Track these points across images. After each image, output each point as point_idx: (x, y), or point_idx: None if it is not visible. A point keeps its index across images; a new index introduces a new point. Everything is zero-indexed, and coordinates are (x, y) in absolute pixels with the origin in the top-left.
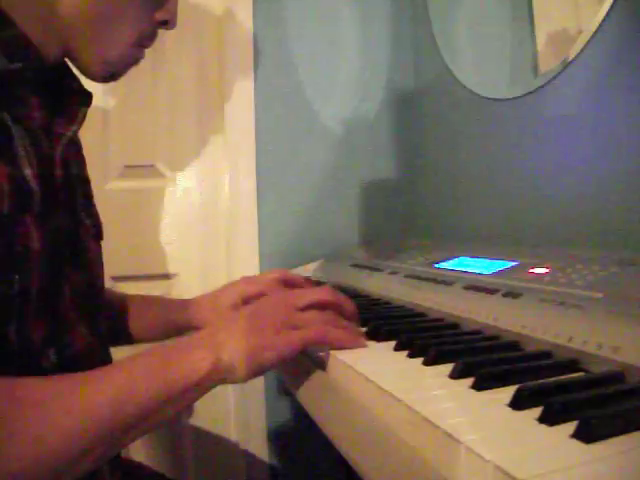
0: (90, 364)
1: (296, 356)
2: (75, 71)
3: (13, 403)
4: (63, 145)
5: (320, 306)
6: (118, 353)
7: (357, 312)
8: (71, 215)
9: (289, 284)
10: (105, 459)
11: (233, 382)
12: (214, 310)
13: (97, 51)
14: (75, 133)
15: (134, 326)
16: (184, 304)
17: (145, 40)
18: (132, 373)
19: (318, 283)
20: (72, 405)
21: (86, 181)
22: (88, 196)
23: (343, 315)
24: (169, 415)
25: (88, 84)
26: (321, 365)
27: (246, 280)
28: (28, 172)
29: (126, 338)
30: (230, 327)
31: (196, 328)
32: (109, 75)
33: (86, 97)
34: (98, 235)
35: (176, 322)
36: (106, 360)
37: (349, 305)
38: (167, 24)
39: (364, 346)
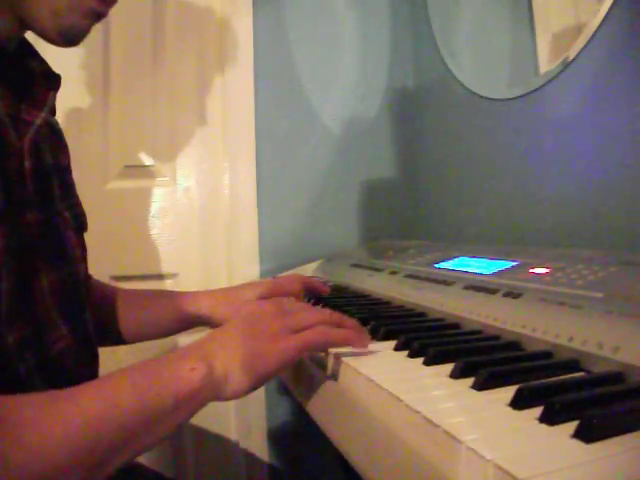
0: (72, 366)
1: (296, 361)
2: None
3: None
4: (32, 133)
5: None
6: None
7: (359, 326)
8: (46, 207)
9: (311, 290)
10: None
11: (232, 396)
12: (230, 304)
13: (42, 1)
14: (46, 120)
15: (142, 320)
16: (194, 296)
17: None
18: (115, 390)
19: (339, 288)
20: (47, 427)
21: (64, 170)
22: (67, 186)
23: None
24: (160, 435)
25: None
26: (321, 365)
27: (271, 283)
28: None
29: (117, 337)
30: (223, 334)
31: (208, 321)
32: (67, 31)
33: (53, 80)
34: (80, 227)
35: (186, 314)
36: (90, 362)
37: (349, 321)
38: None
39: (368, 343)
